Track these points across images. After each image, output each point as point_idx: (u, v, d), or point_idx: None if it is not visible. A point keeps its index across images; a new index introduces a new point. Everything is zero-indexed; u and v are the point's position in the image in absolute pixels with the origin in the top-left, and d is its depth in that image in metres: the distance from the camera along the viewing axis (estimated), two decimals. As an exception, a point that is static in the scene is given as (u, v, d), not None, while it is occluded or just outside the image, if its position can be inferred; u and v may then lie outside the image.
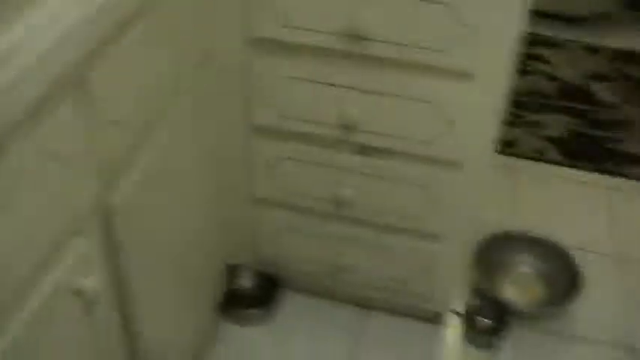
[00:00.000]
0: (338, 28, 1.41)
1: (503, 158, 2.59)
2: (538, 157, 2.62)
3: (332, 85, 1.49)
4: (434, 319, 1.95)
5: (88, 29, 0.96)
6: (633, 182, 2.55)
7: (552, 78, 3.07)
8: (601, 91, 3.02)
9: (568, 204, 2.44)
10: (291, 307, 1.97)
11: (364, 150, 1.59)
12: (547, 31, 3.38)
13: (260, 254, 1.86)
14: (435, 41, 1.38)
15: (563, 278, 2.07)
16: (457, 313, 1.98)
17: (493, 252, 2.10)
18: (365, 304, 1.98)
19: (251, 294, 1.99)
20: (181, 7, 1.28)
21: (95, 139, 1.06)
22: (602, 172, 2.58)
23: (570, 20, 3.44)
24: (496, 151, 2.46)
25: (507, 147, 2.64)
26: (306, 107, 1.54)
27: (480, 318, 1.96)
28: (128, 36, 1.10)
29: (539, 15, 3.37)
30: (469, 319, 1.95)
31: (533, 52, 3.22)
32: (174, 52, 1.29)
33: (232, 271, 1.96)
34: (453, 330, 1.96)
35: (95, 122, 1.05)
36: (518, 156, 2.61)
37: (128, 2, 1.06)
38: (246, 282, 2.00)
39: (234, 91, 1.57)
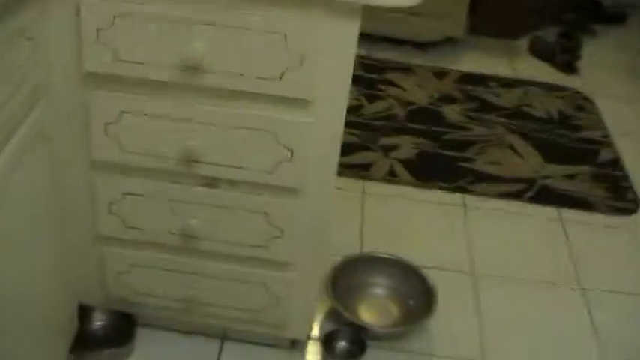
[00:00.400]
0: (171, 61, 1.41)
1: (356, 182, 2.63)
2: (390, 179, 2.67)
3: (170, 118, 1.49)
4: (291, 346, 1.95)
5: None
6: (485, 199, 2.63)
7: (404, 102, 3.14)
8: (450, 112, 3.11)
9: (422, 224, 2.49)
10: (147, 343, 1.94)
11: (207, 182, 1.59)
12: (397, 57, 3.47)
13: (112, 292, 1.82)
14: (268, 70, 1.40)
15: (418, 297, 2.11)
16: (315, 339, 1.98)
17: (348, 275, 2.12)
18: (221, 335, 1.96)
19: (106, 333, 1.94)
20: (4, 43, 1.25)
21: None
22: (455, 190, 2.65)
23: (419, 45, 3.54)
24: (348, 175, 2.51)
25: (361, 170, 2.67)
26: (146, 141, 1.53)
27: (337, 342, 1.98)
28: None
29: (389, 41, 3.46)
30: (327, 344, 1.96)
31: (385, 78, 3.29)
32: (3, 87, 1.25)
33: (85, 311, 1.91)
34: (311, 356, 1.96)
35: None
36: (371, 179, 2.65)
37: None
38: (99, 322, 1.95)
39: (73, 127, 1.54)
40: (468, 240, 2.44)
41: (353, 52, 1.40)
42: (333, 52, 1.39)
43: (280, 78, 1.40)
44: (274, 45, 1.37)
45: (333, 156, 1.53)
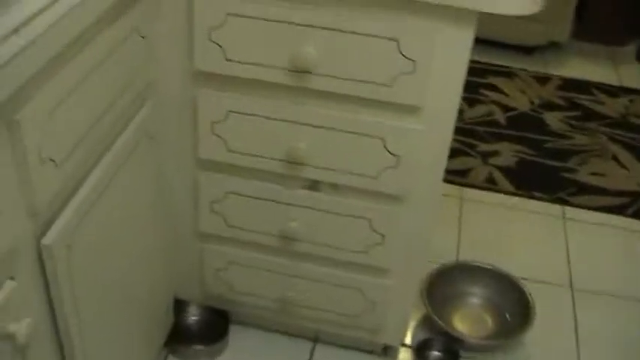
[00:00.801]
0: (282, 63, 1.40)
1: (454, 188, 2.59)
2: (489, 186, 2.62)
3: (278, 119, 1.48)
4: (384, 352, 1.93)
5: (18, 64, 0.92)
6: (586, 212, 2.56)
7: (504, 107, 3.09)
8: (551, 119, 3.04)
9: (520, 234, 2.44)
10: (240, 341, 1.94)
11: (311, 184, 1.57)
12: (500, 60, 3.41)
13: (208, 289, 1.83)
14: (379, 75, 1.38)
15: (515, 309, 2.06)
16: (408, 346, 1.96)
17: (443, 283, 2.09)
18: (314, 338, 1.95)
19: (199, 329, 1.96)
20: (121, 40, 1.25)
21: (27, 180, 1.03)
22: (555, 201, 2.59)
23: (522, 50, 3.47)
24: (447, 180, 2.47)
25: (459, 176, 2.63)
26: (253, 142, 1.52)
27: (430, 351, 1.95)
28: (62, 72, 1.07)
29: (491, 44, 3.40)
30: (420, 352, 1.93)
31: (485, 82, 3.23)
32: (115, 86, 1.26)
33: (180, 306, 1.93)
34: (403, 363, 1.94)
35: (27, 161, 1.02)
36: (469, 185, 2.61)
37: (63, 35, 1.03)
38: (194, 317, 1.97)
39: (180, 125, 1.55)
40: (566, 253, 2.37)
41: (466, 59, 1.36)
42: (447, 58, 1.35)
43: (392, 84, 1.38)
44: (387, 50, 1.35)
45: (440, 164, 1.50)
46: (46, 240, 1.11)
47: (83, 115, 1.17)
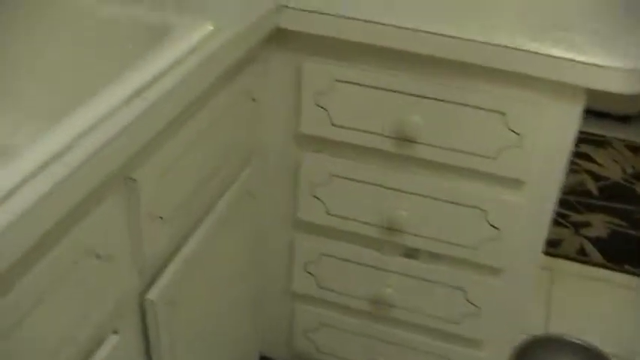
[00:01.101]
0: (387, 130, 1.41)
1: (544, 258, 2.55)
2: (580, 258, 2.57)
3: (380, 185, 1.48)
4: None
5: (139, 126, 0.95)
6: (679, 288, 2.49)
7: (597, 177, 3.04)
8: (646, 192, 2.98)
9: (611, 308, 2.38)
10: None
11: (407, 252, 1.56)
12: (594, 128, 3.36)
13: (294, 348, 1.83)
14: (485, 147, 1.37)
15: (605, 387, 2.01)
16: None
17: (533, 356, 2.05)
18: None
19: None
20: (233, 103, 1.28)
21: (138, 235, 1.05)
22: (647, 276, 2.53)
23: (616, 118, 3.42)
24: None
25: (550, 247, 2.59)
26: (352, 206, 1.53)
27: None
28: (178, 133, 1.10)
29: (586, 112, 3.35)
30: None
31: (579, 150, 3.19)
32: (223, 147, 1.29)
33: (265, 363, 1.93)
34: None
35: (139, 218, 1.04)
36: (560, 256, 2.57)
37: (180, 100, 1.06)
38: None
39: (281, 185, 1.56)
40: (660, 331, 2.31)
41: (573, 134, 1.35)
42: (553, 133, 1.34)
43: (496, 156, 1.37)
44: (493, 123, 1.34)
45: (540, 237, 1.48)
46: (151, 295, 1.13)
47: (193, 174, 1.19)
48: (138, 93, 0.98)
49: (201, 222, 1.28)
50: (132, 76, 1.01)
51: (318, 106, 1.42)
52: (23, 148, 0.84)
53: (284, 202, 1.58)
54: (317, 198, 1.54)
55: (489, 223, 1.45)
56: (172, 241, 1.18)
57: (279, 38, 1.37)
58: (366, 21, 1.32)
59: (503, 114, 1.34)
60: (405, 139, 1.41)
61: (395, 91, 1.37)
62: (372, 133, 1.42)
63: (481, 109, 1.34)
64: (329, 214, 1.55)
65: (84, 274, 0.93)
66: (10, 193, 0.77)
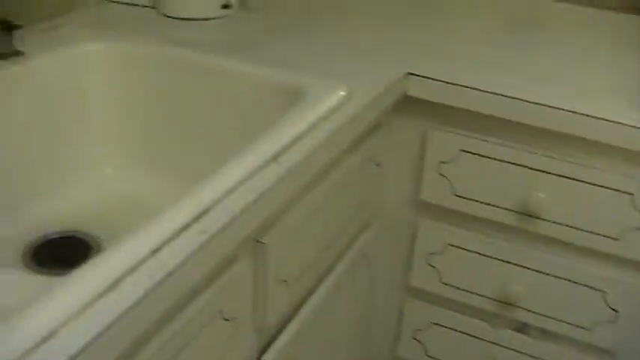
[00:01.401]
0: (510, 204, 1.39)
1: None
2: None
3: (496, 258, 1.46)
4: None
5: (275, 191, 0.96)
6: None
7: None
8: None
9: None
10: None
11: (519, 326, 1.53)
12: None
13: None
14: (610, 227, 1.34)
15: None
16: None
17: None
18: None
19: None
20: (358, 168, 1.28)
21: (262, 298, 1.06)
22: None
23: None
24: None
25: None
26: (466, 277, 1.51)
27: None
28: (306, 197, 1.11)
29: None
30: None
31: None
32: (346, 211, 1.29)
33: None
34: None
35: (266, 282, 1.05)
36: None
37: (314, 166, 1.06)
38: None
39: (396, 251, 1.56)
40: None
41: None
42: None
43: (621, 237, 1.34)
44: (620, 204, 1.31)
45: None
46: (268, 356, 1.13)
47: (317, 238, 1.20)
48: (274, 157, 0.99)
49: (319, 285, 1.28)
50: (268, 139, 1.02)
51: (441, 174, 1.41)
52: (163, 211, 0.85)
53: (397, 267, 1.57)
54: (431, 266, 1.52)
55: (608, 305, 1.41)
56: (291, 303, 1.18)
57: (405, 104, 1.37)
58: (494, 94, 1.31)
59: (631, 194, 1.30)
60: (527, 214, 1.38)
61: (521, 165, 1.35)
62: (494, 206, 1.40)
63: (609, 188, 1.31)
64: (442, 282, 1.53)
65: (210, 335, 0.94)
66: (144, 259, 0.78)
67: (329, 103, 1.14)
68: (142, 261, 0.79)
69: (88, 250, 1.21)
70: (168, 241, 0.82)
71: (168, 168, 1.33)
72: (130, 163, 1.35)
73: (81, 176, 1.32)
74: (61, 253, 1.21)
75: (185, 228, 0.84)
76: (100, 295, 0.73)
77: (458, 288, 1.53)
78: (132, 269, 0.77)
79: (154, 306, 0.77)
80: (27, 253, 1.19)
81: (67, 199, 1.29)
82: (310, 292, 1.25)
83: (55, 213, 1.27)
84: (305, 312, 1.22)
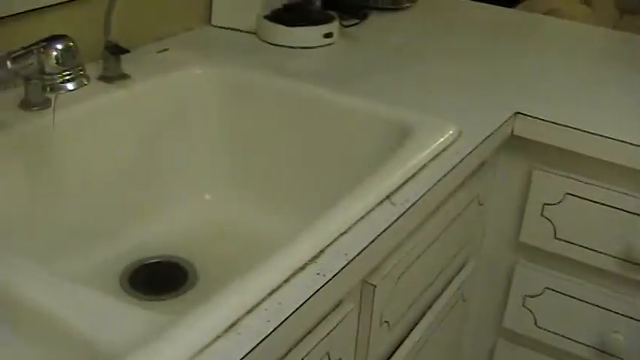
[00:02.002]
0: (614, 250, 1.34)
1: None
2: None
3: (596, 305, 1.41)
4: None
5: (390, 232, 0.94)
6: None
7: None
8: None
9: None
10: None
11: (617, 376, 1.48)
12: None
13: None
14: None
15: None
16: None
17: None
18: None
19: None
20: (463, 208, 1.26)
21: (365, 340, 1.04)
22: None
23: None
24: None
25: None
26: (563, 322, 1.46)
27: None
28: (414, 237, 1.09)
29: None
30: None
31: None
32: (448, 250, 1.27)
33: None
34: None
35: (370, 323, 1.03)
36: None
37: (426, 207, 1.04)
38: None
39: (490, 291, 1.52)
40: None
41: None
42: None
43: None
44: None
45: None
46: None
47: (421, 278, 1.17)
48: (388, 197, 0.97)
49: (417, 325, 1.25)
50: (380, 178, 1.00)
51: (544, 216, 1.38)
52: (279, 250, 0.84)
53: (491, 308, 1.54)
54: (527, 308, 1.48)
55: None
56: (391, 344, 1.16)
57: (511, 143, 1.34)
58: (602, 136, 1.27)
59: None
60: (632, 261, 1.33)
61: (628, 212, 1.31)
62: (597, 251, 1.36)
63: None
64: (537, 326, 1.49)
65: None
66: (262, 301, 0.77)
67: (439, 142, 1.12)
68: (260, 302, 0.77)
69: (184, 275, 1.20)
70: (285, 282, 0.80)
71: (267, 198, 1.32)
72: (229, 191, 1.35)
73: (180, 202, 1.32)
74: (157, 277, 1.21)
75: (302, 269, 0.83)
76: (219, 337, 0.72)
77: (553, 333, 1.48)
78: (249, 311, 0.76)
79: (272, 349, 0.76)
80: (124, 276, 1.19)
81: (165, 223, 1.29)
82: (408, 332, 1.22)
83: (152, 237, 1.27)
84: (402, 352, 1.20)
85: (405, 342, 1.21)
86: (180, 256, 1.24)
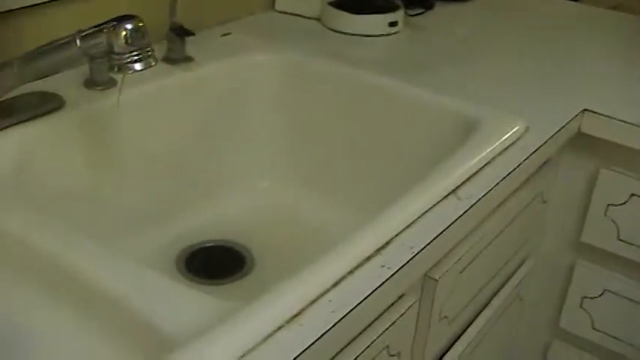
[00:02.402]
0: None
1: None
2: None
3: (655, 309, 1.38)
4: None
5: (455, 226, 0.92)
6: None
7: None
8: None
9: None
10: None
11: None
12: None
13: None
14: None
15: None
16: None
17: None
18: None
19: None
20: (526, 204, 1.23)
21: (424, 334, 1.02)
22: None
23: None
24: None
25: None
26: (620, 325, 1.43)
27: None
28: (477, 232, 1.07)
29: None
30: None
31: None
32: (509, 247, 1.24)
33: None
34: None
35: (430, 317, 1.01)
36: None
37: (492, 201, 1.02)
38: None
39: (547, 291, 1.49)
40: None
41: None
42: None
43: None
44: None
45: None
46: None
47: (481, 274, 1.15)
48: (454, 191, 0.95)
49: (473, 321, 1.23)
50: (446, 171, 0.99)
51: (607, 217, 1.34)
52: (344, 241, 0.83)
53: (548, 307, 1.51)
54: (584, 310, 1.45)
55: None
56: (448, 340, 1.14)
57: (576, 141, 1.31)
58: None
59: None
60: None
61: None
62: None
63: None
64: (594, 328, 1.46)
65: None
66: (326, 291, 0.76)
67: (506, 137, 1.10)
68: (324, 293, 0.76)
69: (240, 261, 1.20)
70: (349, 274, 0.79)
71: (325, 186, 1.30)
72: (287, 177, 1.34)
73: (237, 187, 1.32)
74: (212, 262, 1.20)
75: (367, 261, 0.81)
76: (282, 327, 0.71)
77: (611, 336, 1.45)
78: (313, 301, 0.75)
79: (334, 341, 0.75)
80: (180, 259, 1.19)
81: (222, 208, 1.29)
82: (464, 329, 1.21)
83: (209, 221, 1.27)
84: (458, 349, 1.18)
85: (462, 338, 1.19)
86: (237, 241, 1.23)
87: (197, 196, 1.26)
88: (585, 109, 1.27)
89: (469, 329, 1.21)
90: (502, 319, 1.36)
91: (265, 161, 1.34)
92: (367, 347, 0.86)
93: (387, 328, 0.89)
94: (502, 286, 1.31)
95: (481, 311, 1.25)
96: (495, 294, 1.29)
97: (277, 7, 1.58)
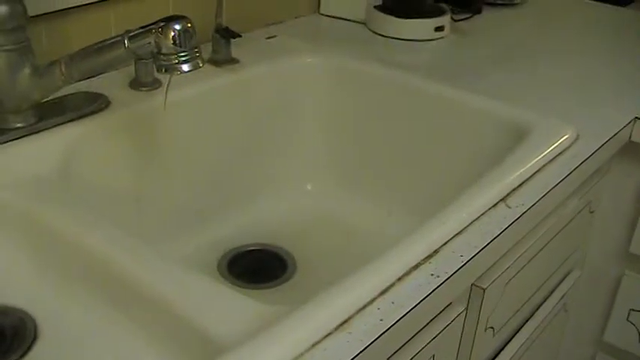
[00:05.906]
0: None
1: None
2: None
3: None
4: None
5: (505, 235, 0.90)
6: None
7: None
8: None
9: None
10: None
11: None
12: None
13: None
14: None
15: None
16: None
17: None
18: None
19: None
20: (573, 214, 1.21)
21: (468, 344, 1.00)
22: None
23: None
24: None
25: None
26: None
27: None
28: (526, 242, 1.05)
29: None
30: None
31: None
32: (555, 258, 1.22)
33: None
34: None
35: (476, 328, 0.99)
36: None
37: (542, 210, 1.00)
38: None
39: (593, 302, 1.46)
40: None
41: None
42: None
43: None
44: None
45: None
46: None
47: (527, 286, 1.13)
48: (503, 199, 0.93)
49: (518, 332, 1.20)
50: (495, 179, 0.97)
51: (657, 230, 1.32)
52: (393, 248, 0.81)
53: (593, 320, 1.48)
54: (631, 323, 1.42)
55: None
56: (493, 351, 1.12)
57: (626, 150, 1.28)
58: None
59: None
60: None
61: None
62: None
63: None
64: (637, 341, 1.43)
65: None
66: (374, 299, 0.74)
67: (556, 144, 1.08)
68: (372, 300, 0.74)
69: (282, 265, 1.18)
70: (398, 281, 0.77)
71: (369, 191, 1.29)
72: (331, 181, 1.33)
73: (281, 190, 1.31)
74: (254, 266, 1.19)
75: (415, 268, 0.80)
76: (330, 334, 0.70)
77: (655, 349, 1.42)
78: (362, 309, 0.73)
79: (382, 350, 0.73)
80: (222, 262, 1.18)
81: (265, 211, 1.28)
82: (509, 340, 1.18)
83: (252, 224, 1.26)
84: (504, 355, 1.16)
85: (506, 349, 1.17)
86: (280, 245, 1.22)
87: (240, 198, 1.25)
88: (637, 117, 1.24)
89: (513, 340, 1.19)
90: (546, 331, 1.33)
91: (309, 164, 1.33)
92: (413, 357, 0.84)
93: (433, 338, 0.88)
94: (547, 297, 1.29)
95: (526, 322, 1.23)
96: (540, 305, 1.27)
97: (322, 10, 1.57)
